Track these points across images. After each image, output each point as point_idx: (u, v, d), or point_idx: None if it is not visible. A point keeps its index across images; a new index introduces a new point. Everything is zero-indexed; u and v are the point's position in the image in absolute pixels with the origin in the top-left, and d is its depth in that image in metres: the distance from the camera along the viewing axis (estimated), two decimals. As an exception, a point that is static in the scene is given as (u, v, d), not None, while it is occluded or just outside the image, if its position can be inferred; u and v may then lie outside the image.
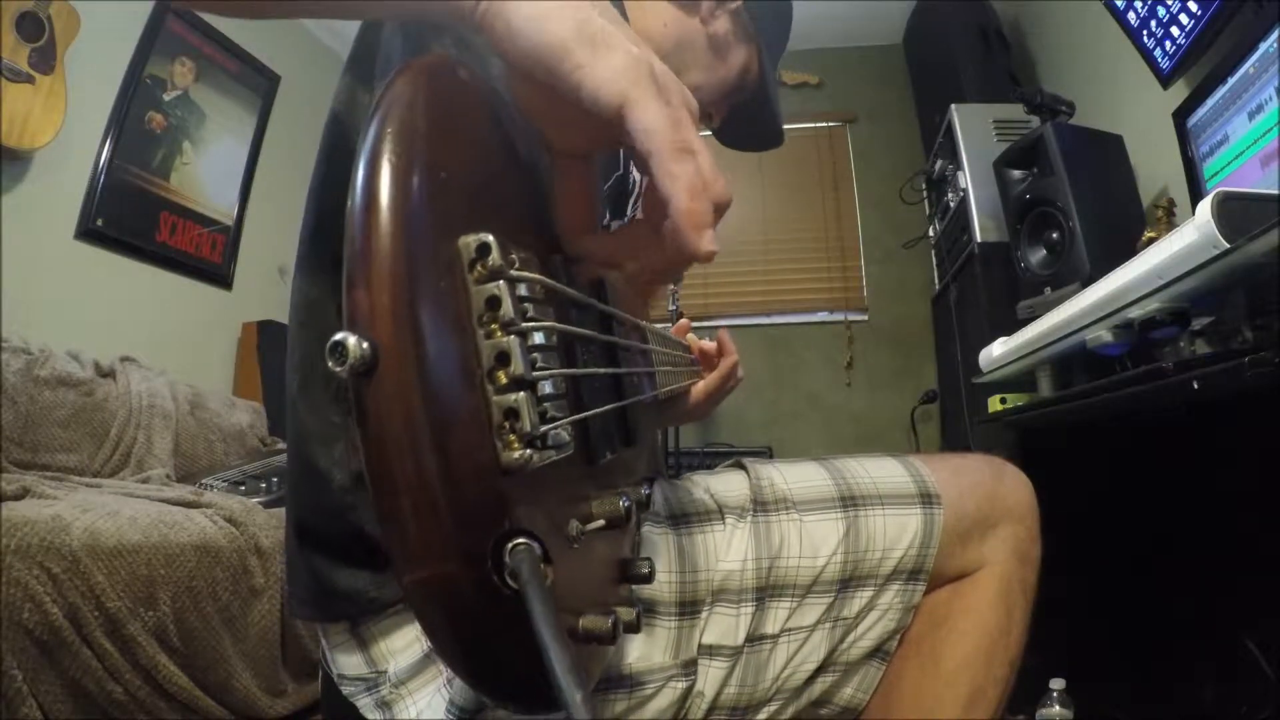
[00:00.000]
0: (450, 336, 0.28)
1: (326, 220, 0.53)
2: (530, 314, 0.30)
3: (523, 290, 0.30)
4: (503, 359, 0.29)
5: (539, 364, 0.30)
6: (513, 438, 0.28)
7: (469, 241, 0.29)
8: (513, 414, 0.28)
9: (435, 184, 0.29)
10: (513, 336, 0.29)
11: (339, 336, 0.25)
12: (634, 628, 0.36)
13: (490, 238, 0.29)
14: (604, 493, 0.38)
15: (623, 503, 0.35)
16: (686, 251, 0.34)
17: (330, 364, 0.25)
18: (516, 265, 0.30)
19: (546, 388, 0.30)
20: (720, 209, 0.35)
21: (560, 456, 0.31)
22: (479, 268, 0.29)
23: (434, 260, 0.28)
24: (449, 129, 0.32)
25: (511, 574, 0.27)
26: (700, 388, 0.89)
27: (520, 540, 0.28)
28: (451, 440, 0.26)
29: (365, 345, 0.25)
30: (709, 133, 0.91)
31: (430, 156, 0.29)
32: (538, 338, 0.31)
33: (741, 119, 0.90)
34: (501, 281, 0.29)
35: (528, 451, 0.28)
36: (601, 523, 0.35)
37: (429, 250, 0.28)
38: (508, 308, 0.29)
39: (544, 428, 0.29)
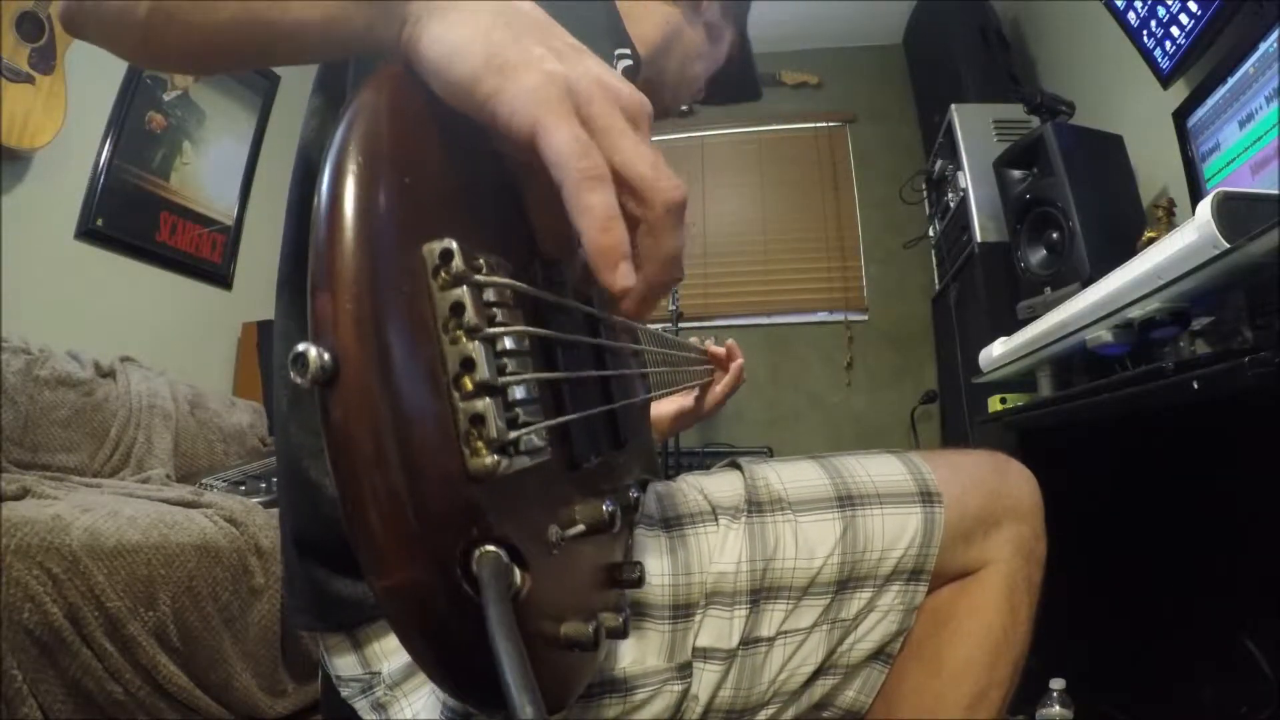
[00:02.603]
0: (414, 343, 0.28)
1: (305, 240, 0.53)
2: (498, 319, 0.30)
3: (490, 295, 0.30)
4: (468, 365, 0.28)
5: (509, 369, 0.30)
6: (480, 444, 0.28)
7: (433, 248, 0.29)
8: (479, 420, 0.28)
9: (399, 190, 0.29)
10: (477, 342, 0.28)
11: (300, 348, 0.25)
12: (619, 633, 0.35)
13: (453, 243, 0.29)
14: (589, 497, 0.37)
15: (606, 507, 0.35)
16: (603, 284, 0.32)
17: (292, 375, 0.25)
18: (483, 270, 0.30)
19: (519, 393, 0.30)
20: (672, 206, 0.34)
21: (534, 463, 0.30)
22: (443, 274, 0.29)
23: (398, 266, 0.28)
24: (415, 135, 0.32)
25: (476, 581, 0.27)
26: (721, 389, 0.98)
27: (487, 548, 0.27)
28: (417, 447, 0.26)
29: (326, 356, 0.25)
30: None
31: (395, 162, 0.29)
32: (509, 342, 0.30)
33: (723, 80, 0.93)
34: (465, 287, 0.29)
35: (496, 458, 0.28)
36: (582, 528, 0.35)
37: (393, 256, 0.28)
38: (471, 313, 0.28)
39: (513, 434, 0.29)
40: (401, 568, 0.26)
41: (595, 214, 0.31)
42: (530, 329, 0.33)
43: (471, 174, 0.35)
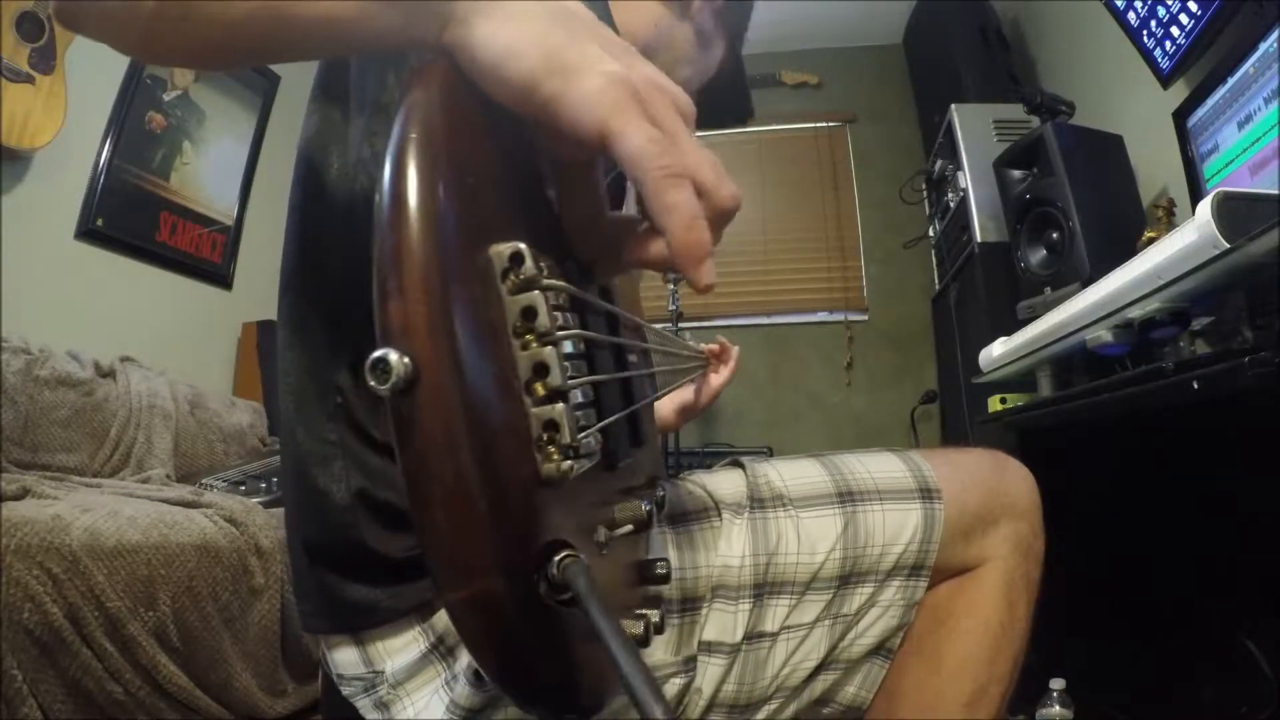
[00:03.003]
0: (487, 349, 0.27)
1: (309, 243, 0.53)
2: (561, 323, 0.30)
3: (552, 299, 0.30)
4: (540, 371, 0.28)
5: (570, 373, 0.30)
6: (552, 449, 0.28)
7: (501, 250, 0.29)
8: (552, 426, 0.28)
9: (463, 190, 0.28)
10: (549, 347, 0.28)
11: (380, 353, 0.24)
12: (660, 629, 0.35)
13: (523, 246, 0.28)
14: (624, 497, 0.38)
15: (644, 506, 0.35)
16: (688, 281, 0.33)
17: (372, 382, 0.24)
18: (546, 273, 0.30)
19: (577, 396, 0.30)
20: (728, 214, 0.34)
21: (591, 465, 0.30)
22: (512, 277, 0.28)
23: (467, 270, 0.27)
24: (470, 133, 0.31)
25: (558, 587, 0.27)
26: (719, 380, 1.01)
27: (567, 553, 0.27)
28: (493, 455, 0.26)
29: (406, 360, 0.24)
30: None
31: (456, 163, 0.29)
32: (568, 346, 0.30)
33: (713, 99, 0.91)
34: (536, 291, 0.28)
35: (567, 463, 0.28)
36: (629, 528, 0.35)
37: (461, 259, 0.27)
38: (544, 318, 0.28)
39: (580, 437, 0.29)
40: (479, 578, 0.25)
41: (681, 212, 0.31)
42: (590, 334, 0.33)
43: (516, 171, 0.35)
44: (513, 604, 0.26)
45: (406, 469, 0.25)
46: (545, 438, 0.28)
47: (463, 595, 0.25)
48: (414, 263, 0.26)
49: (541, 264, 0.30)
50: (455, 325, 0.26)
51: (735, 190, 0.34)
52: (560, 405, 0.28)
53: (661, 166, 0.31)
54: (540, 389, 0.28)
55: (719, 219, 0.34)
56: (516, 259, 0.28)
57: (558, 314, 0.30)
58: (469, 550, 0.25)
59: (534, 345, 0.28)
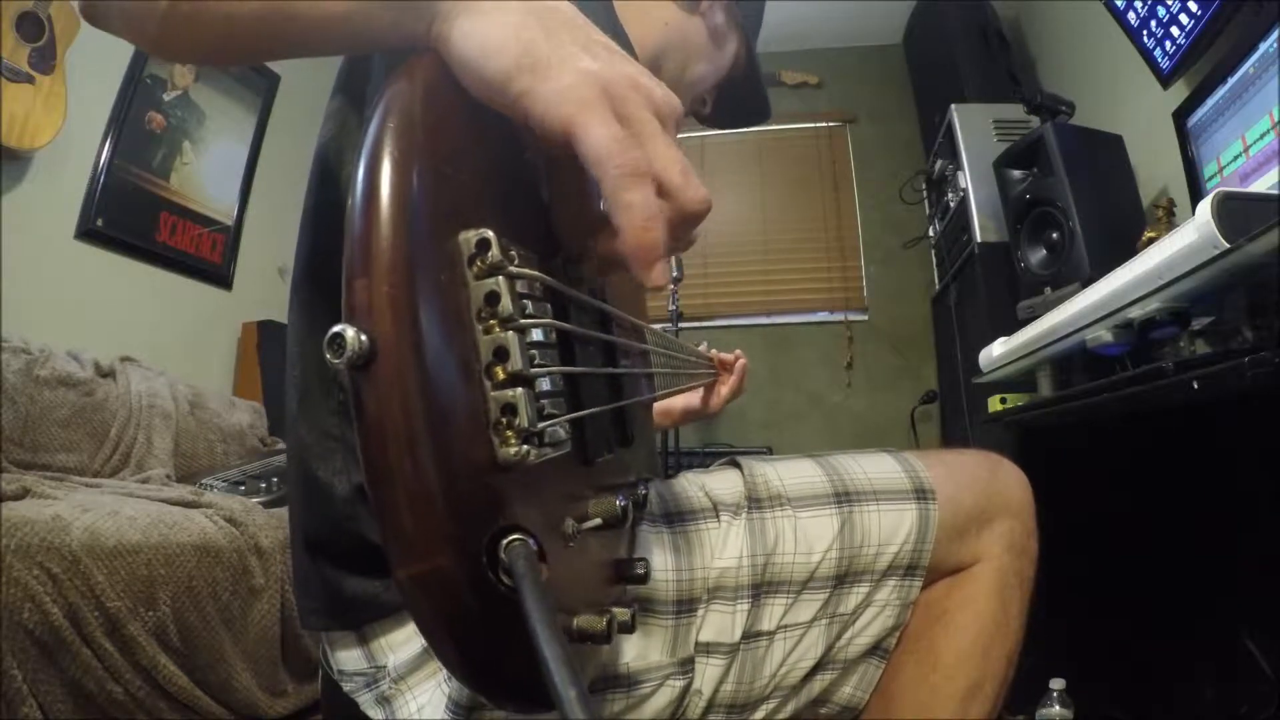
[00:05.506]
0: (449, 330, 0.28)
1: (321, 244, 0.53)
2: (529, 310, 0.30)
3: (521, 287, 0.30)
4: (501, 355, 0.29)
5: (537, 361, 0.30)
6: (510, 434, 0.28)
7: (469, 237, 0.29)
8: (510, 410, 0.28)
9: (437, 178, 0.29)
10: (511, 332, 0.29)
11: (337, 328, 0.25)
12: (628, 628, 0.36)
13: (490, 233, 0.29)
14: (600, 492, 0.38)
15: (619, 502, 0.35)
16: (639, 280, 0.33)
17: (328, 356, 0.25)
18: (516, 262, 0.30)
19: (544, 385, 0.30)
20: (693, 216, 0.34)
21: (557, 454, 0.31)
22: (479, 263, 0.29)
23: (434, 254, 0.28)
24: (450, 125, 0.32)
25: (506, 570, 0.27)
26: (726, 390, 1.02)
27: (515, 536, 0.27)
28: (448, 434, 0.26)
29: (364, 337, 0.25)
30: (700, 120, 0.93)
31: (432, 151, 0.29)
32: (536, 335, 0.30)
33: (731, 99, 0.92)
34: (500, 277, 0.29)
35: (524, 448, 0.28)
36: (597, 521, 0.35)
37: (430, 244, 0.28)
38: (507, 303, 0.29)
39: (541, 425, 0.29)
40: (428, 556, 0.26)
41: (635, 212, 0.32)
42: (559, 323, 0.33)
43: (500, 164, 0.36)
44: (463, 585, 0.26)
45: (363, 443, 0.26)
46: (504, 421, 0.28)
47: (412, 572, 0.26)
48: (381, 246, 0.26)
49: (512, 252, 0.30)
50: (418, 307, 0.26)
51: (703, 194, 0.34)
52: (520, 390, 0.28)
53: (620, 165, 0.31)
54: (500, 373, 0.29)
55: (684, 221, 0.34)
56: (483, 245, 0.29)
57: (526, 302, 0.30)
58: (419, 527, 0.26)
59: (496, 330, 0.29)
